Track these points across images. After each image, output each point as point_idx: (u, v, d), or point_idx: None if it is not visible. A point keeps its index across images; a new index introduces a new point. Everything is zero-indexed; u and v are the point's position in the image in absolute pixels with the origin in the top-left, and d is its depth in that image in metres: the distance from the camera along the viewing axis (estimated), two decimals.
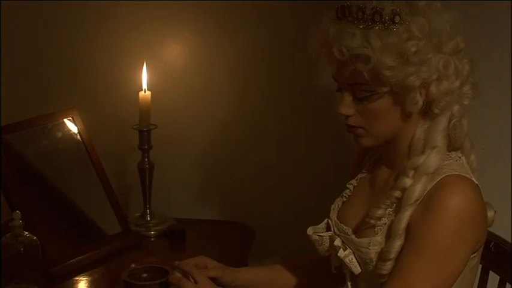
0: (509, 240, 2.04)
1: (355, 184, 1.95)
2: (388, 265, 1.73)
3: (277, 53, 2.57)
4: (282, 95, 2.63)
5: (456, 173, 1.72)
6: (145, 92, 2.51)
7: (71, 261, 2.31)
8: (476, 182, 1.75)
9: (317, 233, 1.89)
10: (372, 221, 1.78)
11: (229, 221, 2.66)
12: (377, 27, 1.69)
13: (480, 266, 2.01)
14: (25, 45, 2.71)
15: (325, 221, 1.90)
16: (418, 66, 1.69)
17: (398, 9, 1.69)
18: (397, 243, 1.72)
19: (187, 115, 2.70)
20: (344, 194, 1.95)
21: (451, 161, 1.76)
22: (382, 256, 1.74)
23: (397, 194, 1.75)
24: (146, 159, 2.55)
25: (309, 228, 1.90)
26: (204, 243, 2.48)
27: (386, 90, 1.72)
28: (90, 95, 2.71)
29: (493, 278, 2.02)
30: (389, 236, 1.74)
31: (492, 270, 2.01)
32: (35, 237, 2.07)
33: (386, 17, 1.68)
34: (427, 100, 1.73)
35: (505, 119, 2.45)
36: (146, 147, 2.54)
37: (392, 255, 1.72)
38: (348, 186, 1.96)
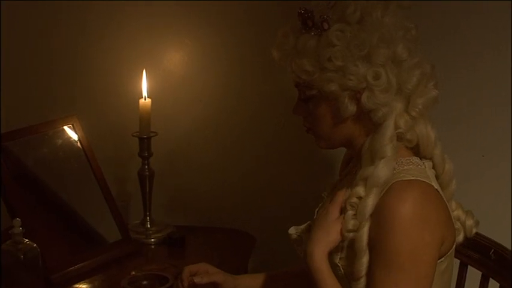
0: (509, 245, 2.04)
1: (333, 187, 1.95)
2: (362, 282, 1.72)
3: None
4: (280, 101, 2.63)
5: (412, 178, 1.71)
6: (145, 99, 2.51)
7: (71, 268, 2.31)
8: (436, 187, 1.74)
9: (298, 233, 1.90)
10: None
11: (229, 228, 2.66)
12: (313, 33, 1.73)
13: (482, 276, 2.01)
14: (25, 53, 2.72)
15: (308, 222, 1.91)
16: (335, 73, 1.71)
17: (326, 16, 1.72)
18: (364, 260, 1.71)
19: (187, 122, 2.71)
20: (323, 195, 1.96)
21: (411, 166, 1.75)
22: (353, 276, 1.73)
23: (354, 200, 1.75)
24: (146, 167, 2.56)
25: (292, 227, 1.91)
26: (204, 251, 2.48)
27: (314, 93, 1.76)
28: (91, 103, 2.72)
29: (493, 286, 2.02)
30: (354, 254, 1.73)
31: (492, 278, 2.00)
32: (35, 245, 2.07)
33: (318, 23, 1.72)
34: (364, 108, 1.73)
35: (505, 120, 2.45)
36: (146, 154, 2.55)
37: (363, 272, 1.71)
38: (326, 188, 1.97)
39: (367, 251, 1.71)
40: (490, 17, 2.42)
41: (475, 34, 2.44)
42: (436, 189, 1.74)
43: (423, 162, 1.78)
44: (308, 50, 1.73)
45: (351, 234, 1.74)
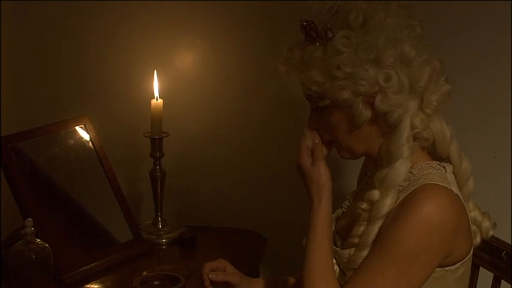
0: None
1: (354, 195, 1.96)
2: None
3: None
4: (291, 102, 2.63)
5: (433, 182, 1.71)
6: (157, 99, 2.52)
7: (83, 268, 2.32)
8: (456, 192, 1.74)
9: None
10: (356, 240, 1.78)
11: (240, 228, 2.66)
12: (318, 43, 1.72)
13: (493, 278, 2.01)
14: (38, 54, 2.73)
15: None
16: (346, 80, 1.70)
17: (329, 25, 1.71)
18: (363, 254, 1.72)
19: (198, 122, 2.71)
20: (343, 205, 1.96)
21: (431, 170, 1.75)
22: (349, 264, 1.74)
23: (364, 206, 1.75)
24: (158, 167, 2.56)
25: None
26: (215, 251, 2.48)
27: (327, 103, 1.75)
28: (102, 103, 2.72)
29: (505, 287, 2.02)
30: (358, 245, 1.74)
31: (504, 280, 2.00)
32: (46, 245, 2.08)
33: (322, 33, 1.71)
34: (379, 111, 1.73)
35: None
36: (158, 154, 2.55)
37: (358, 265, 1.72)
38: (347, 197, 1.97)
39: (370, 247, 1.71)
40: (490, 14, 2.41)
41: (475, 34, 2.43)
42: (456, 194, 1.74)
43: (443, 167, 1.77)
44: (315, 60, 1.72)
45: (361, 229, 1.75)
